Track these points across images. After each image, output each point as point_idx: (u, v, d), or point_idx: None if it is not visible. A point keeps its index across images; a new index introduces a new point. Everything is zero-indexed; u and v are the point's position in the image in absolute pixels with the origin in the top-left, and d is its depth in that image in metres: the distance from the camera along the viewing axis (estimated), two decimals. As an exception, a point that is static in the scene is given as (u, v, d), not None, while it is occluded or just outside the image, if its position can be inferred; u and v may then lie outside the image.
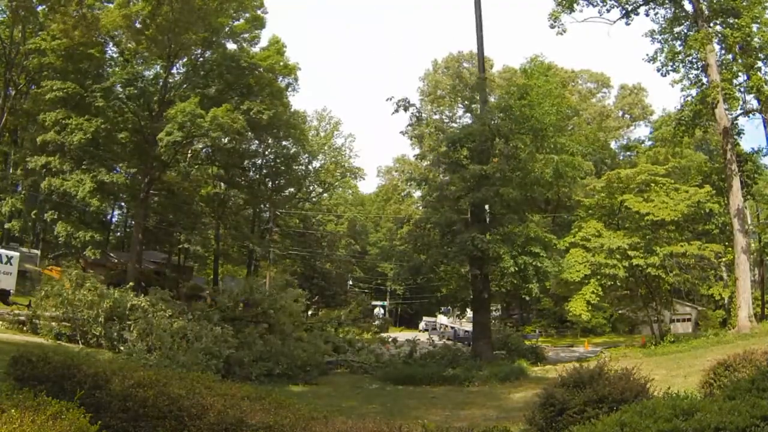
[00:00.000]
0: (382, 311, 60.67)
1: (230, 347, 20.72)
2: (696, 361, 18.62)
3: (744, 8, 28.97)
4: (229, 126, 42.29)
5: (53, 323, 22.64)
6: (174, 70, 50.13)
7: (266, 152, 62.46)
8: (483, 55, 36.25)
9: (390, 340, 32.98)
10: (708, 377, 10.93)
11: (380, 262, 68.68)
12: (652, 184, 33.39)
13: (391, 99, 31.91)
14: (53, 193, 42.45)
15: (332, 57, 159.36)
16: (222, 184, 62.11)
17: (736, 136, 32.84)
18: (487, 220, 31.48)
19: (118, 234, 71.95)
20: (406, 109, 32.33)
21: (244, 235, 54.48)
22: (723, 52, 31.29)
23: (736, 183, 30.07)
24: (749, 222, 37.84)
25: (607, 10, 33.90)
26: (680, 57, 31.97)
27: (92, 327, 21.88)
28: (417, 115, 33.71)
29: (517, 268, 27.66)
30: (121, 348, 20.67)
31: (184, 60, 49.63)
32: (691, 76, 32.32)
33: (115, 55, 49.36)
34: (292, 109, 58.88)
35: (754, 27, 29.39)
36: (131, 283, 27.57)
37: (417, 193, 64.90)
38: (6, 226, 49.75)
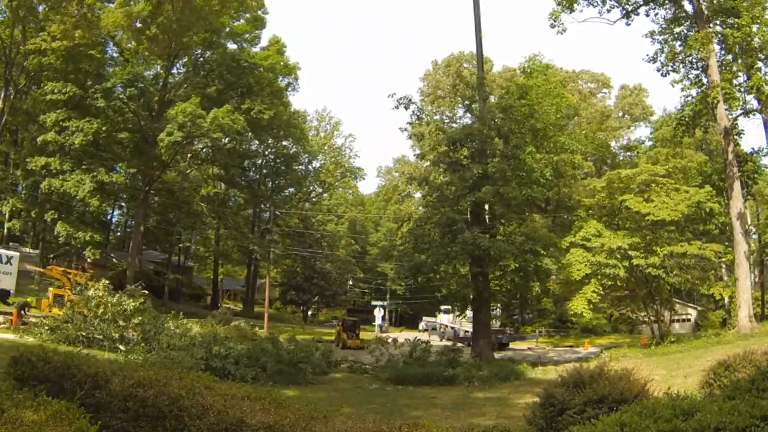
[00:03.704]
0: (382, 311, 60.55)
1: (229, 348, 20.73)
2: (696, 361, 18.61)
3: (744, 8, 28.94)
4: (229, 126, 42.34)
5: (53, 324, 22.64)
6: (174, 71, 50.24)
7: (266, 152, 62.49)
8: (482, 54, 36.32)
9: (390, 340, 32.99)
10: (708, 377, 10.94)
11: (380, 262, 68.72)
12: (653, 185, 33.38)
13: (392, 96, 32.01)
14: (53, 193, 42.41)
15: (332, 57, 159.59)
16: (222, 184, 62.13)
17: (736, 136, 32.80)
18: (487, 219, 31.50)
19: (118, 234, 71.97)
20: (407, 107, 32.39)
21: (244, 235, 54.51)
22: (723, 52, 31.27)
23: (737, 186, 30.05)
24: (749, 222, 37.81)
25: (607, 10, 33.88)
26: (680, 57, 31.94)
27: (95, 328, 21.88)
28: (418, 113, 33.75)
29: (517, 266, 27.68)
30: (122, 348, 20.66)
31: (185, 60, 49.71)
32: (691, 76, 32.32)
33: (115, 55, 49.41)
34: (292, 109, 58.99)
35: (754, 27, 29.34)
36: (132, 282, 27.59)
37: (417, 194, 64.91)
38: (6, 225, 49.77)
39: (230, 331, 29.21)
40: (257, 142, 58.92)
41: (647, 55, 33.25)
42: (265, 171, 63.43)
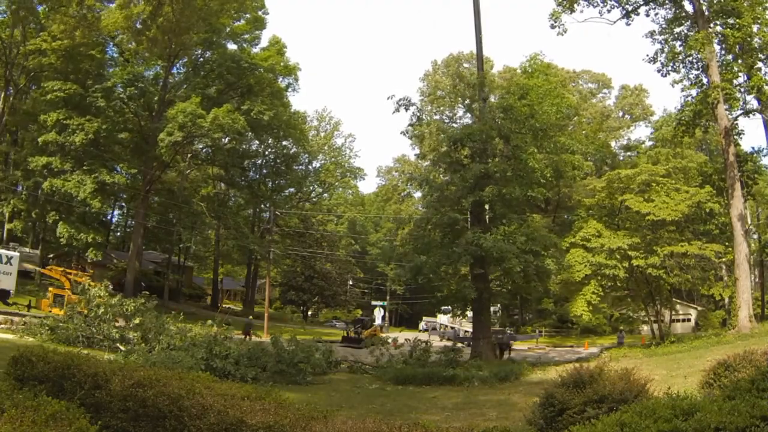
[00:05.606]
0: (382, 311, 60.54)
1: (229, 348, 20.73)
2: (696, 361, 18.59)
3: (745, 8, 28.93)
4: (229, 126, 42.29)
5: (53, 324, 22.63)
6: (174, 71, 50.22)
7: (266, 152, 62.46)
8: (482, 54, 36.28)
9: (390, 340, 33.03)
10: (708, 377, 10.94)
11: (380, 262, 68.67)
12: (653, 185, 33.40)
13: (392, 98, 31.99)
14: (54, 193, 42.38)
15: (332, 57, 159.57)
16: (222, 184, 62.09)
17: (736, 137, 32.78)
18: (488, 220, 31.48)
19: (118, 234, 71.95)
20: (407, 109, 32.36)
21: (244, 235, 54.53)
22: (723, 52, 31.25)
23: (737, 186, 30.05)
24: (749, 222, 37.81)
25: (607, 10, 33.90)
26: (680, 57, 31.95)
27: (95, 328, 21.88)
28: (418, 114, 33.73)
29: (519, 268, 27.63)
30: (122, 348, 20.66)
31: (185, 60, 49.69)
32: (691, 76, 32.32)
33: (115, 56, 49.40)
34: (292, 110, 58.93)
35: (755, 27, 29.34)
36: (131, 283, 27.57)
37: (417, 194, 64.92)
38: (7, 226, 49.72)
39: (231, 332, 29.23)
40: (257, 142, 58.91)
41: (647, 55, 33.35)
42: (265, 171, 63.40)
